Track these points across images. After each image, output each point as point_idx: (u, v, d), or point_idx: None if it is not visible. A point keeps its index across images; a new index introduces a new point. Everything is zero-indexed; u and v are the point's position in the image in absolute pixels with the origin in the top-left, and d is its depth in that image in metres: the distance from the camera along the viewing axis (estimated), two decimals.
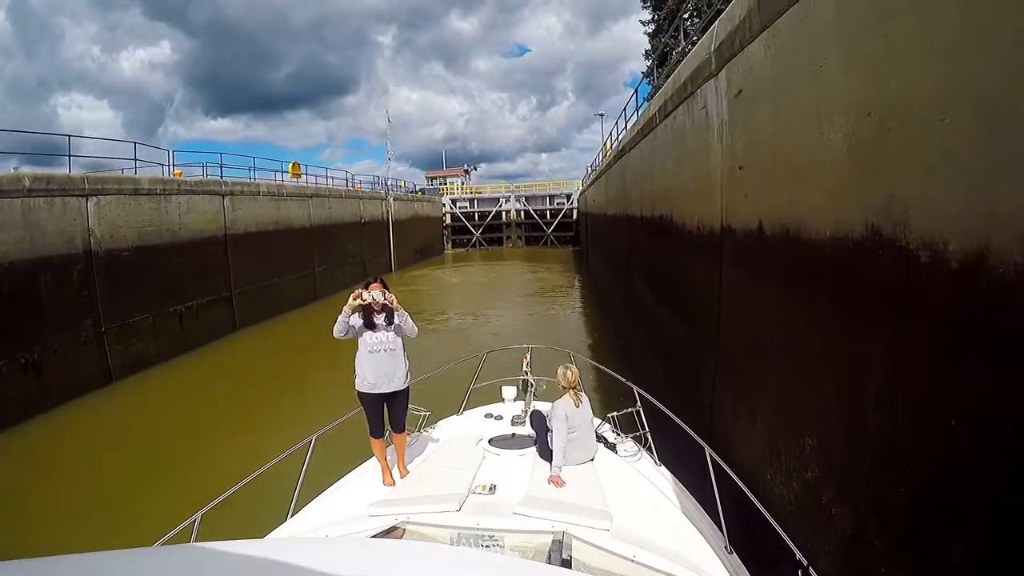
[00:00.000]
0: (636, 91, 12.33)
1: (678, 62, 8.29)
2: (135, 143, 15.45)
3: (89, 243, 12.11)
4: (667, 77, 8.19)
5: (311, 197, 23.09)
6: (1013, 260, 1.68)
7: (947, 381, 2.03)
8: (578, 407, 3.80)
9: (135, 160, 15.27)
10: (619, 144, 13.19)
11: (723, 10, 4.78)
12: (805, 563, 2.32)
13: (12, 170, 12.65)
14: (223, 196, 16.89)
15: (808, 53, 3.10)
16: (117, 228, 12.89)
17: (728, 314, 4.72)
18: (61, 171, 12.62)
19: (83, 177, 12.50)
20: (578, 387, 3.95)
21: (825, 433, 2.91)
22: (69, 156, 13.15)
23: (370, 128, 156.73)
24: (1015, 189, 1.72)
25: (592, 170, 28.88)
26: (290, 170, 24.29)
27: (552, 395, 4.76)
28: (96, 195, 12.44)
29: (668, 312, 7.44)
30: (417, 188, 47.20)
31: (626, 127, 14.02)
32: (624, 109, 13.93)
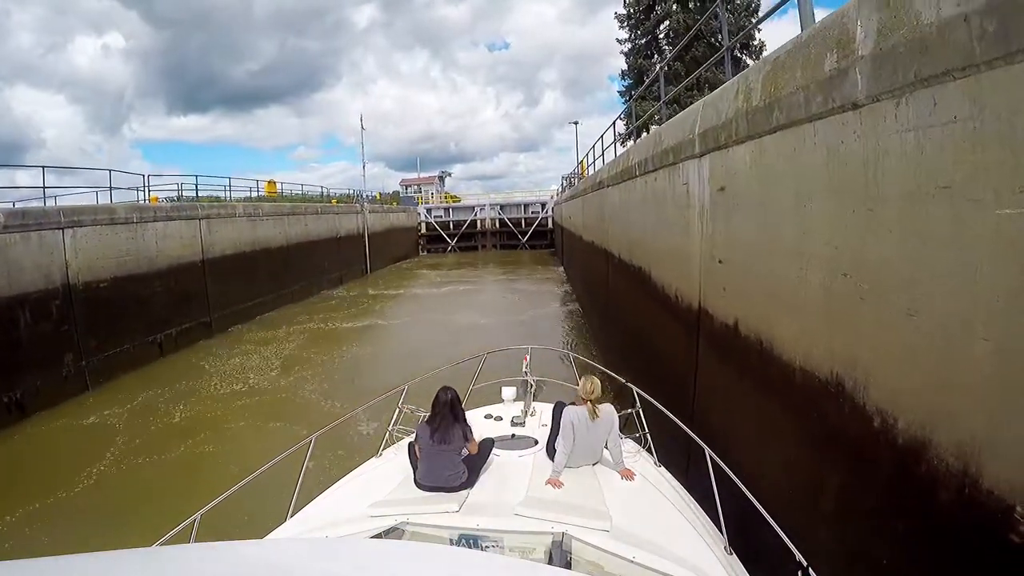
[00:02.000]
0: (614, 123, 12.83)
1: (669, 101, 8.63)
2: (109, 170, 15.18)
3: (67, 276, 11.95)
4: (644, 129, 8.35)
5: (287, 215, 22.92)
6: (947, 461, 1.91)
7: (882, 529, 2.37)
8: (594, 421, 3.57)
9: (110, 188, 14.99)
10: (596, 176, 13.65)
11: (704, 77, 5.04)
12: (805, 564, 2.31)
13: None
14: (200, 220, 16.70)
15: (795, 187, 3.19)
16: (95, 259, 12.74)
17: (704, 391, 4.89)
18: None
19: (59, 209, 12.37)
20: (599, 400, 3.66)
21: None
22: (45, 193, 12.83)
23: (344, 126, 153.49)
24: (958, 396, 1.91)
25: (568, 183, 29.39)
26: (266, 188, 24.03)
27: (551, 396, 4.79)
28: (72, 227, 12.27)
29: (645, 362, 7.39)
30: (392, 191, 46.86)
31: (603, 156, 14.50)
32: (602, 136, 14.45)
